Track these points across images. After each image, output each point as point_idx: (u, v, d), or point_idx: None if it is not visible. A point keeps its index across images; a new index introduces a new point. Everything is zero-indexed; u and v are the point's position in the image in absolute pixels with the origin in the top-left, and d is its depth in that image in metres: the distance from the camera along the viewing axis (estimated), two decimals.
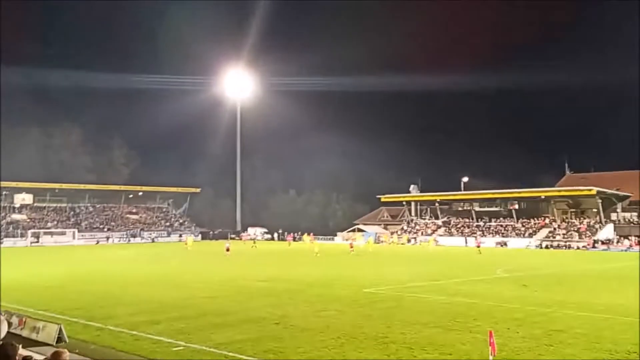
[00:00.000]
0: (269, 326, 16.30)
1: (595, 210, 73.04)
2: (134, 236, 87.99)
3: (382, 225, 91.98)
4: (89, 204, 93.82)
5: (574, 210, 76.93)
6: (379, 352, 13.19)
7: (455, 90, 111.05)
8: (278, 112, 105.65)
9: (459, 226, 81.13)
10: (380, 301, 21.40)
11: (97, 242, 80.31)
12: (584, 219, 73.57)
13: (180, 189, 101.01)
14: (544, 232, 72.55)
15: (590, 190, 69.53)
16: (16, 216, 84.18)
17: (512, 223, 76.94)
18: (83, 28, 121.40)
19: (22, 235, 78.31)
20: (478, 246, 59.50)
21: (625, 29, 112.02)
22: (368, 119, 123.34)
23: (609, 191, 71.77)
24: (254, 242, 71.55)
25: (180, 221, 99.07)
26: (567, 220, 75.17)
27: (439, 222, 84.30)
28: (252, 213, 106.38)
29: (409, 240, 78.71)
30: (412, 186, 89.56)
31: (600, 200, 71.20)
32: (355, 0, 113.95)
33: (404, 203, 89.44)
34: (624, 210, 74.28)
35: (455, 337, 14.69)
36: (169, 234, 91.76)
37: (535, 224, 75.07)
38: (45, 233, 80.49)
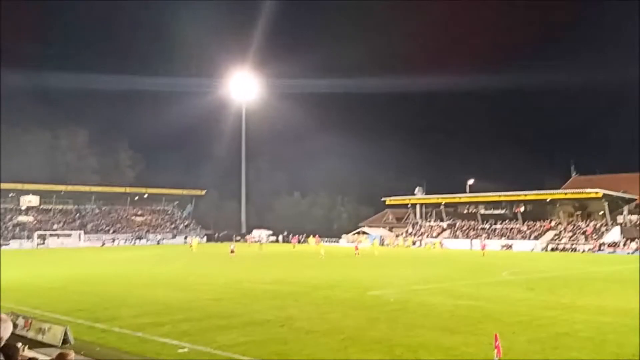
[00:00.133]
0: (274, 328, 16.30)
1: (601, 212, 72.70)
2: (139, 238, 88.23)
3: (387, 228, 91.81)
4: (94, 206, 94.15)
5: (580, 212, 76.60)
6: (383, 354, 13.17)
7: (456, 91, 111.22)
8: (283, 114, 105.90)
9: (464, 229, 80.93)
10: (385, 304, 21.35)
11: (103, 244, 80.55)
12: (590, 221, 73.26)
13: (185, 191, 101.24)
14: (549, 234, 72.27)
15: (596, 192, 69.20)
16: (22, 218, 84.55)
17: (517, 226, 76.68)
18: (89, 30, 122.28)
19: (28, 237, 78.66)
20: (483, 249, 59.33)
21: (625, 29, 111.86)
22: (373, 121, 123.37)
23: (616, 194, 71.43)
24: (261, 245, 71.80)
25: (186, 223, 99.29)
26: (573, 222, 74.86)
27: (444, 224, 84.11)
28: (257, 215, 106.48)
29: (414, 243, 78.58)
30: (417, 188, 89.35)
31: (606, 203, 70.86)
32: (361, 0, 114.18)
33: (409, 205, 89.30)
34: (630, 212, 73.87)
35: (461, 340, 14.64)
36: (174, 236, 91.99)
37: (541, 226, 74.79)
38: (51, 235, 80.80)
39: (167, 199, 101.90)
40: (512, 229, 76.56)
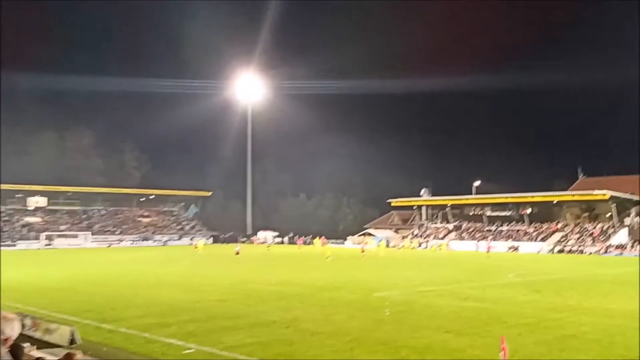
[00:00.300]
0: (279, 330, 16.32)
1: (609, 214, 72.32)
2: (145, 239, 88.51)
3: (393, 230, 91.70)
4: (101, 207, 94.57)
5: (587, 214, 76.23)
6: (389, 356, 13.16)
7: (457, 91, 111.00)
8: (288, 116, 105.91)
9: (470, 230, 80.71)
10: (391, 305, 21.31)
11: (110, 245, 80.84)
12: (598, 223, 72.90)
13: (191, 192, 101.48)
14: (556, 236, 71.96)
15: (603, 194, 68.85)
16: (30, 219, 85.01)
17: (524, 227, 76.39)
18: (96, 32, 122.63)
19: (35, 238, 79.05)
20: (488, 250, 59.17)
21: (625, 29, 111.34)
22: (378, 122, 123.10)
23: (623, 195, 71.02)
24: (268, 247, 72.10)
25: (192, 224, 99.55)
26: (580, 224, 74.51)
27: (450, 226, 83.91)
28: (262, 216, 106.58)
29: (419, 245, 78.45)
30: (423, 190, 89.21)
31: (614, 205, 70.47)
32: (369, 0, 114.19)
33: (415, 207, 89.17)
34: (638, 214, 73.42)
35: (467, 341, 14.61)
36: (180, 237, 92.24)
37: (547, 228, 74.48)
38: (58, 236, 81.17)
39: (173, 200, 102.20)
40: (518, 230, 76.29)
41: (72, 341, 13.99)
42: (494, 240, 72.80)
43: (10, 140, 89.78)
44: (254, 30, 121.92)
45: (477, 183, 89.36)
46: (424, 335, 15.38)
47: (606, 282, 32.09)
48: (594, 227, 71.56)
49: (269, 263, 46.54)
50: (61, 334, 14.32)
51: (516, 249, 70.16)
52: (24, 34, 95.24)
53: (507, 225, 78.72)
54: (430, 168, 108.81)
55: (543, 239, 71.92)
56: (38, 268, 40.30)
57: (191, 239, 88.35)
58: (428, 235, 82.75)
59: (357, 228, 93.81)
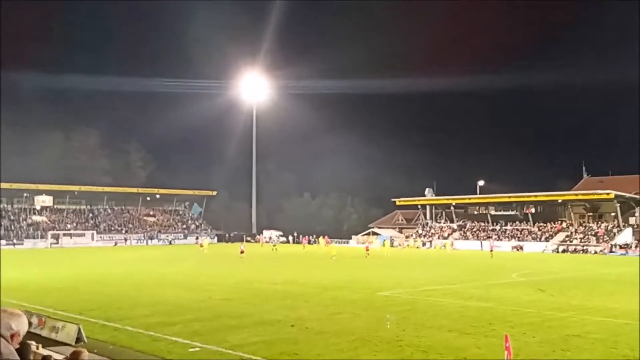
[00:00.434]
0: (284, 329, 16.40)
1: (613, 214, 72.11)
2: (151, 238, 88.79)
3: (397, 229, 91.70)
4: (107, 206, 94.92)
5: (591, 214, 76.02)
6: (393, 355, 13.22)
7: (457, 91, 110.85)
8: (293, 116, 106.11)
9: (474, 230, 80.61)
10: (395, 305, 21.37)
11: (115, 244, 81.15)
12: (602, 223, 72.68)
13: (196, 192, 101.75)
14: (560, 236, 71.80)
15: (608, 194, 68.67)
16: (36, 218, 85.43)
17: (528, 227, 76.24)
18: (101, 32, 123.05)
19: (42, 237, 79.44)
20: (491, 250, 59.08)
21: (625, 29, 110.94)
22: (382, 122, 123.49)
23: (628, 195, 70.81)
24: (274, 246, 72.21)
25: (197, 223, 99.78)
26: (584, 224, 74.31)
27: (454, 225, 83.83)
28: (267, 216, 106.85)
29: (424, 244, 78.42)
30: (427, 189, 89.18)
31: (618, 204, 70.27)
32: (370, 1, 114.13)
33: (419, 207, 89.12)
34: None
35: (471, 341, 14.65)
36: (185, 236, 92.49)
37: (551, 228, 74.31)
38: (64, 234, 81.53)
39: (178, 199, 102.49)
40: (522, 230, 76.15)
41: (78, 339, 14.09)
42: (498, 239, 72.71)
43: (18, 140, 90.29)
44: (258, 30, 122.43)
45: (481, 183, 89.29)
46: (428, 335, 15.43)
47: (610, 281, 32.05)
48: (599, 227, 71.35)
49: (273, 262, 46.64)
50: (67, 332, 14.43)
51: (520, 248, 70.05)
52: (30, 34, 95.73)
53: (512, 224, 78.59)
54: (431, 168, 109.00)
55: (547, 239, 71.77)
56: (44, 267, 40.53)
57: (196, 238, 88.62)
58: (432, 235, 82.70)
59: (362, 227, 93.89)
